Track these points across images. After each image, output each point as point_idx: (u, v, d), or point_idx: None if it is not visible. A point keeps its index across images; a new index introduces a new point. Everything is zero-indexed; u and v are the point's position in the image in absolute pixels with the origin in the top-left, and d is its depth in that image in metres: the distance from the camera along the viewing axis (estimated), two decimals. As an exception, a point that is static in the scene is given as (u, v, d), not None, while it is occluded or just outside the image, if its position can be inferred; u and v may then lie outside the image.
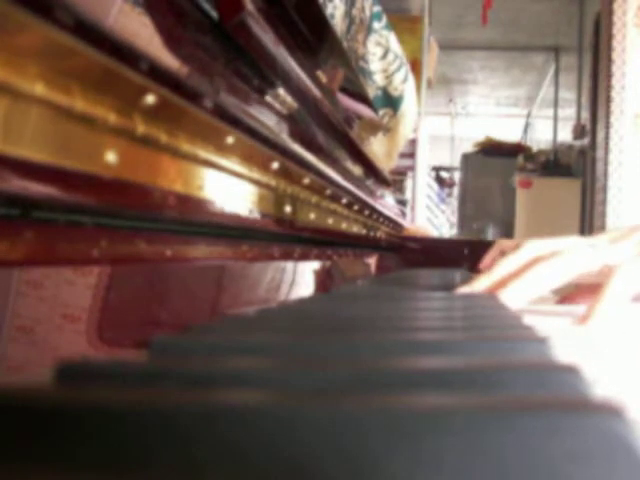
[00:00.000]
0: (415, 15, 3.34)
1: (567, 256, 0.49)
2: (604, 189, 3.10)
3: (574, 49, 4.45)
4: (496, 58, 5.45)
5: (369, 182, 1.00)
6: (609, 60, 3.04)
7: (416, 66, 2.98)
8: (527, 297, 0.48)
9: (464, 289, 0.52)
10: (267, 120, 0.42)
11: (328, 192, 0.61)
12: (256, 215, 0.42)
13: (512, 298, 0.47)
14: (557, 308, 0.57)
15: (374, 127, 1.24)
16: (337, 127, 0.72)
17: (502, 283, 0.50)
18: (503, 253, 0.58)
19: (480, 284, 0.52)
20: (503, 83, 6.10)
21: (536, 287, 0.48)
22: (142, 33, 0.27)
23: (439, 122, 6.81)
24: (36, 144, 0.20)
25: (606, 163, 3.08)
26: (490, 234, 5.05)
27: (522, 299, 0.48)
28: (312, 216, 0.58)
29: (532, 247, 0.51)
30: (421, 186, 3.32)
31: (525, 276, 0.48)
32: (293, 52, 0.51)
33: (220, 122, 0.33)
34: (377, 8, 1.64)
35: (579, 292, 0.57)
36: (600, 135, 3.22)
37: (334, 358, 0.22)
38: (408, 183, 3.77)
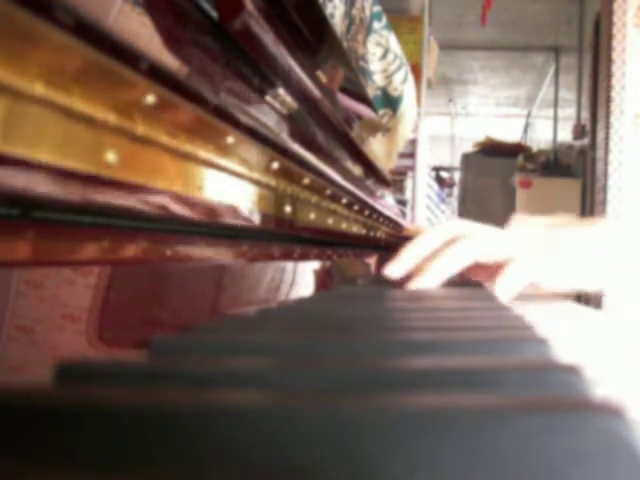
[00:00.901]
0: (415, 15, 3.33)
1: (467, 243, 0.55)
2: (604, 189, 3.10)
3: (574, 49, 4.44)
4: (496, 58, 5.45)
5: (369, 182, 1.00)
6: (609, 60, 3.04)
7: (416, 66, 2.98)
8: (438, 280, 0.55)
9: (388, 270, 0.58)
10: (267, 120, 0.42)
11: (328, 192, 0.61)
12: (256, 215, 0.42)
13: (425, 282, 0.54)
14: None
15: (374, 127, 1.24)
16: (337, 127, 0.72)
17: (417, 268, 0.57)
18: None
19: (395, 269, 0.57)
20: (503, 83, 6.10)
21: (444, 272, 0.55)
22: (142, 33, 0.27)
23: (439, 122, 6.81)
24: (36, 144, 0.20)
25: (606, 163, 3.07)
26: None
27: (434, 282, 0.55)
28: (312, 216, 0.58)
29: (434, 232, 0.58)
30: (421, 186, 3.32)
31: (434, 263, 0.55)
32: (293, 52, 0.51)
33: (220, 122, 0.33)
34: (377, 8, 1.64)
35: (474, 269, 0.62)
36: (600, 135, 3.22)
37: (334, 358, 0.22)
38: (408, 183, 3.77)
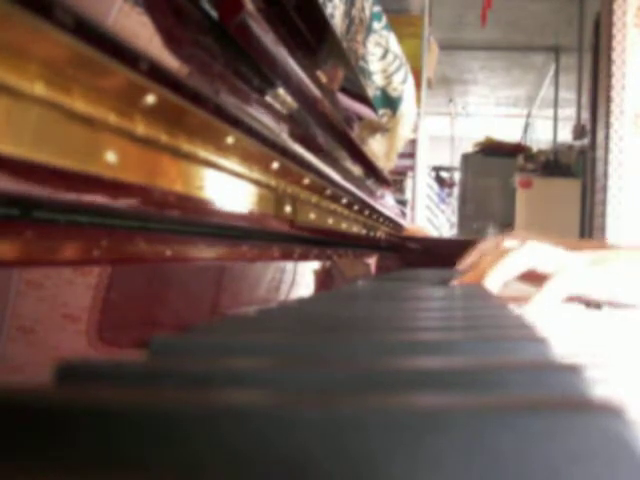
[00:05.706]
0: (415, 15, 3.33)
1: (529, 248, 0.58)
2: (604, 189, 3.10)
3: (574, 49, 4.44)
4: (496, 58, 5.44)
5: (369, 182, 1.00)
6: (609, 60, 3.04)
7: (416, 66, 2.98)
8: (500, 282, 0.58)
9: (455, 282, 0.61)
10: (267, 120, 0.42)
11: (328, 192, 0.61)
12: (256, 215, 0.42)
13: (490, 284, 0.57)
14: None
15: (374, 127, 1.24)
16: (337, 127, 0.72)
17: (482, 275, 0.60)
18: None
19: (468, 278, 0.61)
20: (503, 83, 6.09)
21: (504, 274, 0.58)
22: (142, 33, 0.27)
23: (439, 122, 6.80)
24: (36, 144, 0.20)
25: (606, 163, 3.08)
26: (490, 234, 5.04)
27: (497, 284, 0.58)
28: (312, 216, 0.58)
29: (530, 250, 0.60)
30: (421, 186, 3.32)
31: (498, 266, 0.58)
32: (293, 52, 0.51)
33: (220, 122, 0.33)
34: (377, 8, 1.64)
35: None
36: (600, 135, 3.22)
37: (334, 358, 0.22)
38: (408, 183, 3.77)
